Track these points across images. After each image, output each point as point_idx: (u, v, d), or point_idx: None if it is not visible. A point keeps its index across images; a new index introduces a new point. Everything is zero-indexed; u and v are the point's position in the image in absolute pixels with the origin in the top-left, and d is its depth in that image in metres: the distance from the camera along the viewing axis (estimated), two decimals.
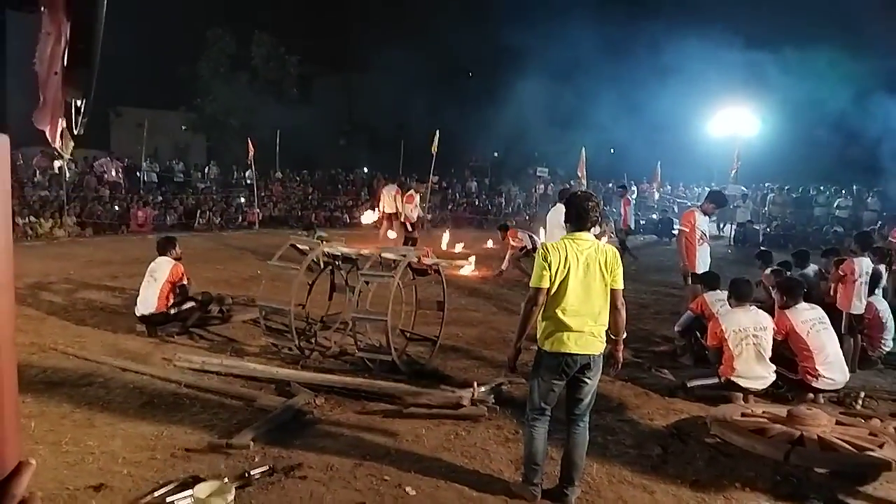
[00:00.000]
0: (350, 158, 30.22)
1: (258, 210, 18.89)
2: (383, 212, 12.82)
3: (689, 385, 5.49)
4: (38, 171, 17.24)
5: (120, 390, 5.14)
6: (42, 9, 1.39)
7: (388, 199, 12.90)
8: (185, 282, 6.92)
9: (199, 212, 17.91)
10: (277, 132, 22.21)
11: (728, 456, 4.33)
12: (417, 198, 12.67)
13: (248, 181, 20.00)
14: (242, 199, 19.83)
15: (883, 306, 6.79)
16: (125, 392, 5.11)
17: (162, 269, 6.82)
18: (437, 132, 17.97)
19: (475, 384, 5.09)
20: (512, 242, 11.15)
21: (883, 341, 6.69)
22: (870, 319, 6.67)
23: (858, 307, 6.49)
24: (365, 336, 6.41)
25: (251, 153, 18.33)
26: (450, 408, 4.88)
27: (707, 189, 22.70)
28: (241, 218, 18.78)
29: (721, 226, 19.86)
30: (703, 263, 7.30)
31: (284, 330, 6.22)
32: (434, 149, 17.76)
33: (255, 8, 30.12)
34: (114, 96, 27.12)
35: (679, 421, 4.98)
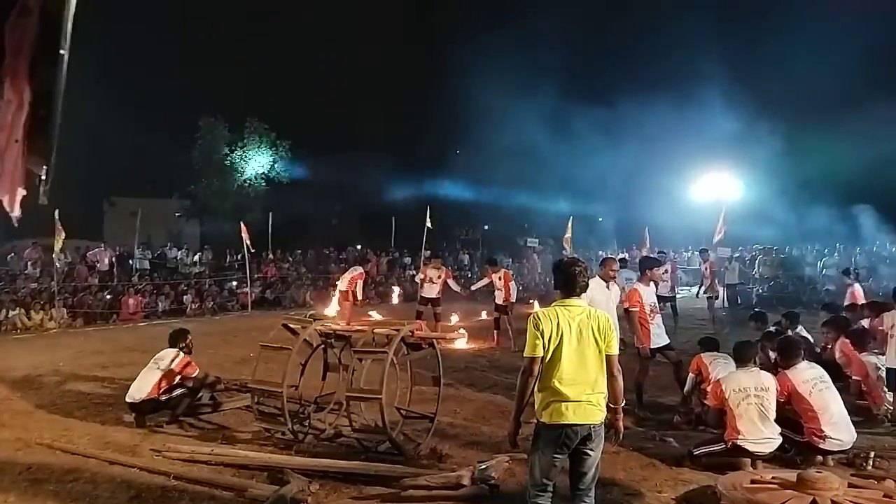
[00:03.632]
0: (342, 237, 30.46)
1: (251, 292, 18.80)
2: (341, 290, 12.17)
3: (695, 453, 5.36)
4: (29, 263, 17.23)
5: (107, 485, 4.94)
6: (4, 78, 1.40)
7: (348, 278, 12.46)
8: (192, 374, 6.87)
9: (190, 297, 17.81)
10: (270, 214, 22.47)
11: None
12: (430, 273, 12.42)
13: (240, 263, 20.05)
14: (234, 283, 19.77)
15: (878, 362, 6.72)
16: (112, 487, 4.92)
17: (168, 357, 6.80)
18: (428, 207, 18.24)
19: (475, 463, 4.94)
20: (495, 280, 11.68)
21: (886, 397, 6.58)
22: (865, 377, 6.60)
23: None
24: (360, 416, 6.26)
25: (246, 237, 18.46)
26: (450, 489, 4.71)
27: (696, 252, 22.83)
28: (234, 301, 18.68)
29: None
30: (656, 336, 7.10)
31: (277, 413, 6.06)
32: (429, 223, 17.97)
33: (246, 95, 31.14)
34: (107, 187, 27.56)
35: (688, 492, 4.83)
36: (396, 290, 19.55)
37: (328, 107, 33.70)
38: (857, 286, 10.52)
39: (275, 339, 6.44)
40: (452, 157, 36.80)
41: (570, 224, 18.02)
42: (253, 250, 18.69)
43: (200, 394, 7.06)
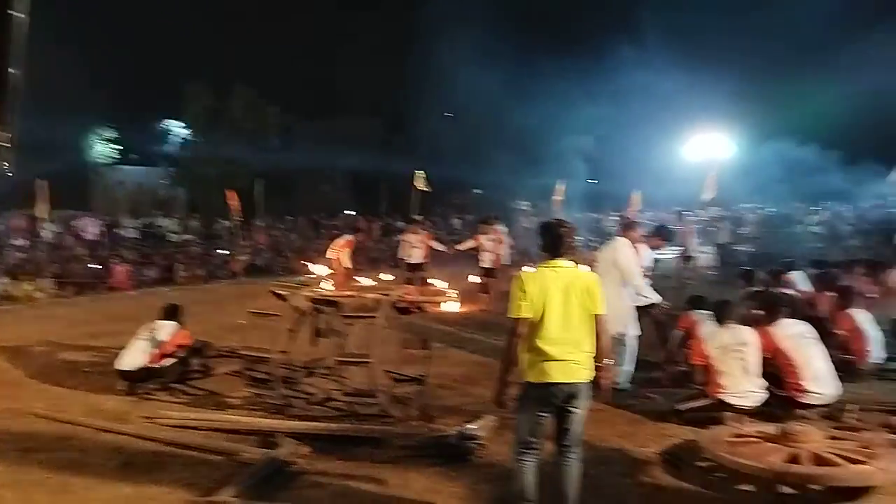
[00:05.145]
0: (334, 203, 30.30)
1: (241, 259, 18.78)
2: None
3: (679, 408, 5.45)
4: (16, 233, 17.11)
5: (97, 452, 4.98)
6: None
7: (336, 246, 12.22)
8: (186, 344, 6.93)
9: (180, 265, 17.76)
10: (259, 181, 22.32)
11: (723, 479, 4.26)
12: (410, 239, 12.43)
13: (231, 232, 19.98)
14: (225, 251, 19.72)
15: (862, 317, 6.80)
16: (103, 454, 4.95)
17: (165, 330, 6.82)
18: (422, 172, 18.10)
19: (464, 422, 5.01)
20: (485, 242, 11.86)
21: (868, 352, 6.67)
22: (850, 331, 6.67)
23: None
24: (351, 380, 6.31)
25: (233, 204, 18.37)
26: (439, 448, 4.78)
27: (685, 214, 22.88)
28: (224, 269, 18.64)
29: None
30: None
31: (268, 379, 6.10)
32: (423, 186, 17.84)
33: (233, 60, 30.60)
34: (93, 156, 27.24)
35: (672, 446, 4.92)
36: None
37: (316, 72, 33.22)
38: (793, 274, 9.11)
39: (264, 305, 6.44)
40: (443, 120, 36.40)
41: (560, 187, 17.99)
42: (240, 218, 18.61)
43: (190, 360, 7.09)
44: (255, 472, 4.43)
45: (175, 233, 20.79)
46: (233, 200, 18.40)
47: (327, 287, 7.03)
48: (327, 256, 11.50)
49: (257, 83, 26.68)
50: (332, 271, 11.44)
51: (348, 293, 6.59)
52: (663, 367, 6.87)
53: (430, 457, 4.70)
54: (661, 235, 7.73)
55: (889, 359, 6.92)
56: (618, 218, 17.08)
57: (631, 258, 6.61)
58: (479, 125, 29.13)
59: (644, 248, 7.20)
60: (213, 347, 7.83)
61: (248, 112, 26.13)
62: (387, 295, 6.18)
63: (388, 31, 35.63)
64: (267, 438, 5.10)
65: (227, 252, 19.55)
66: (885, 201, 21.16)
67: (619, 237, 6.84)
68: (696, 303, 6.88)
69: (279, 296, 6.59)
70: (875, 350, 6.71)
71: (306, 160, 32.00)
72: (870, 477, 3.92)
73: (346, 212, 26.85)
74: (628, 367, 6.45)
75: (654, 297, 6.89)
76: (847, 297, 7.08)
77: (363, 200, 28.94)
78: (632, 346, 6.46)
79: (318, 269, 8.70)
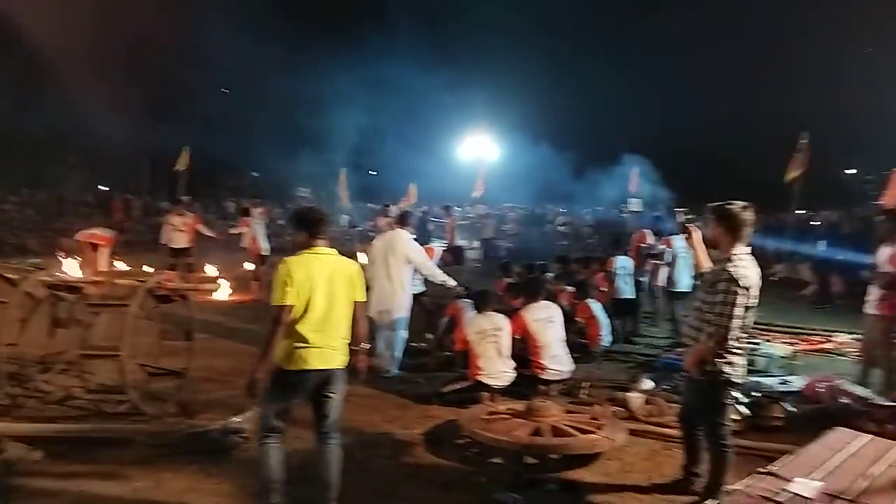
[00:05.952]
0: (84, 176, 26.80)
1: None
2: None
3: (442, 391, 5.82)
4: None
5: None
6: None
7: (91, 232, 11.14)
8: None
9: None
10: None
11: (478, 453, 4.63)
12: (174, 221, 11.51)
13: None
14: None
15: (596, 307, 7.86)
16: None
17: None
18: (187, 150, 16.83)
19: (229, 416, 4.78)
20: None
21: (601, 337, 7.73)
22: (587, 319, 7.69)
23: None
24: (96, 375, 5.65)
25: None
26: (199, 444, 4.51)
27: (457, 209, 24.47)
28: None
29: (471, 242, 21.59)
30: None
31: None
32: (182, 166, 16.59)
33: None
34: None
35: (435, 427, 5.21)
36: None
37: (62, 20, 28.81)
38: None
39: None
40: (219, 97, 34.14)
41: (342, 176, 18.05)
42: None
43: None
44: None
45: None
46: None
47: (70, 271, 6.19)
48: (78, 240, 10.18)
49: None
50: (83, 258, 10.17)
51: (95, 279, 5.88)
52: (431, 353, 7.25)
53: (189, 454, 4.41)
54: (454, 254, 8.60)
55: (627, 340, 8.51)
56: (384, 208, 17.41)
57: (419, 248, 6.96)
58: (258, 107, 27.91)
59: (437, 251, 8.38)
60: None
61: None
62: (143, 281, 5.62)
63: None
64: None
65: None
66: (618, 207, 24.68)
67: (397, 228, 7.04)
68: (462, 293, 7.36)
69: (7, 280, 5.66)
70: (605, 335, 7.80)
71: (49, 124, 27.68)
72: (597, 445, 4.54)
73: (99, 187, 23.92)
74: (398, 353, 6.70)
75: (450, 282, 7.26)
76: (584, 289, 8.13)
77: (121, 176, 26.00)
78: (402, 333, 6.71)
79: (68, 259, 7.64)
